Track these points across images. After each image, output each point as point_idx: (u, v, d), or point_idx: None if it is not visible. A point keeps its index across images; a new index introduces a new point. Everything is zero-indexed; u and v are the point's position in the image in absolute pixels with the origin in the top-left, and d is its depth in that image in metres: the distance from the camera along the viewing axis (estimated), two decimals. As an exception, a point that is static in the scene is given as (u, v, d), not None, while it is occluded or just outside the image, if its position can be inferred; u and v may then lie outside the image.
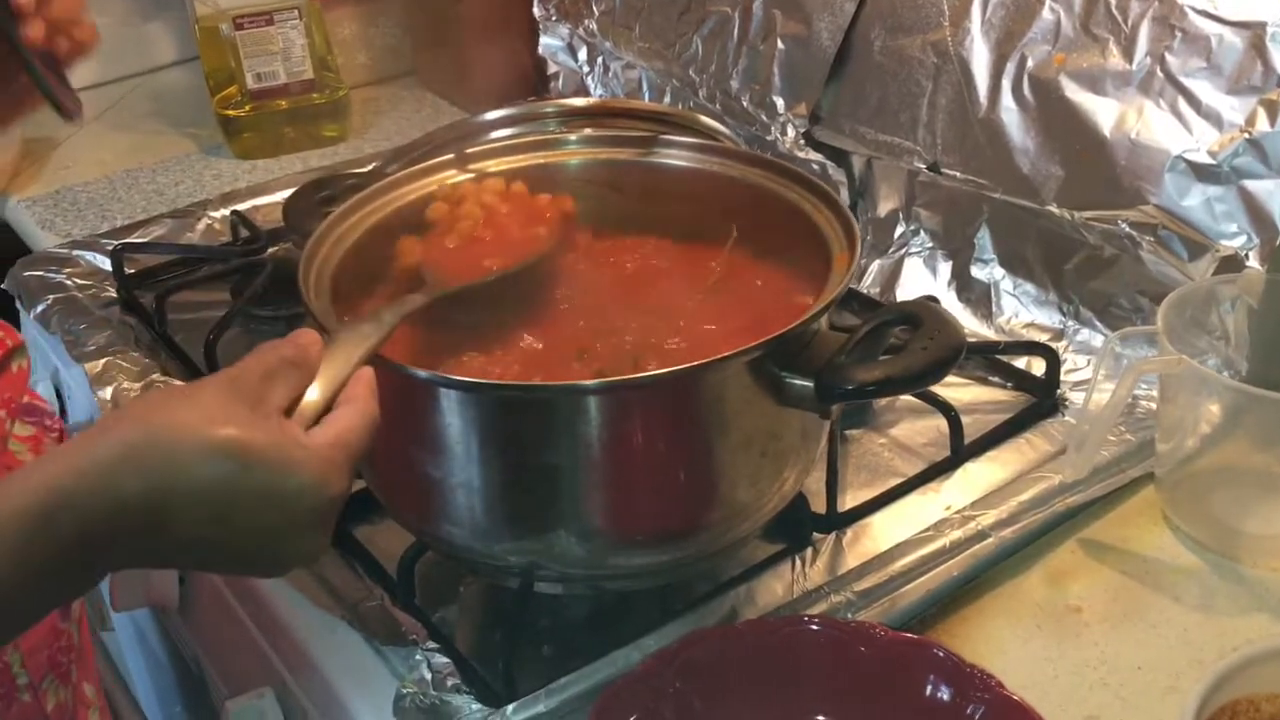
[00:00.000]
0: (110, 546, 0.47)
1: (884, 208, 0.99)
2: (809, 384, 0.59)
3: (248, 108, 1.29)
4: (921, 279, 0.95)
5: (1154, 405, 0.76)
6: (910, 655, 0.57)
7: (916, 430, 0.83)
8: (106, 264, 1.05)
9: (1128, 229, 0.79)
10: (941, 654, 0.57)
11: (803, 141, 1.00)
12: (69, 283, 1.03)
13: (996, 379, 0.87)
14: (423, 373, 0.59)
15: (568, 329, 0.67)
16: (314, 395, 0.52)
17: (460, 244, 0.70)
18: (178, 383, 0.89)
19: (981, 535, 0.70)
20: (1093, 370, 0.72)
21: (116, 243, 1.06)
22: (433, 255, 0.69)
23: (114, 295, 1.02)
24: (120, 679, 1.11)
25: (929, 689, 0.56)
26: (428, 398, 0.60)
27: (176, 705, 1.08)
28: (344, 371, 0.54)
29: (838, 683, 0.57)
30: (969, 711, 0.55)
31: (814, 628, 0.59)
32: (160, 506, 0.47)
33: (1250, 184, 0.73)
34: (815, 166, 1.02)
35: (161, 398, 0.55)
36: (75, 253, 1.07)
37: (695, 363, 0.57)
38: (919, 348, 0.58)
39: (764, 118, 1.02)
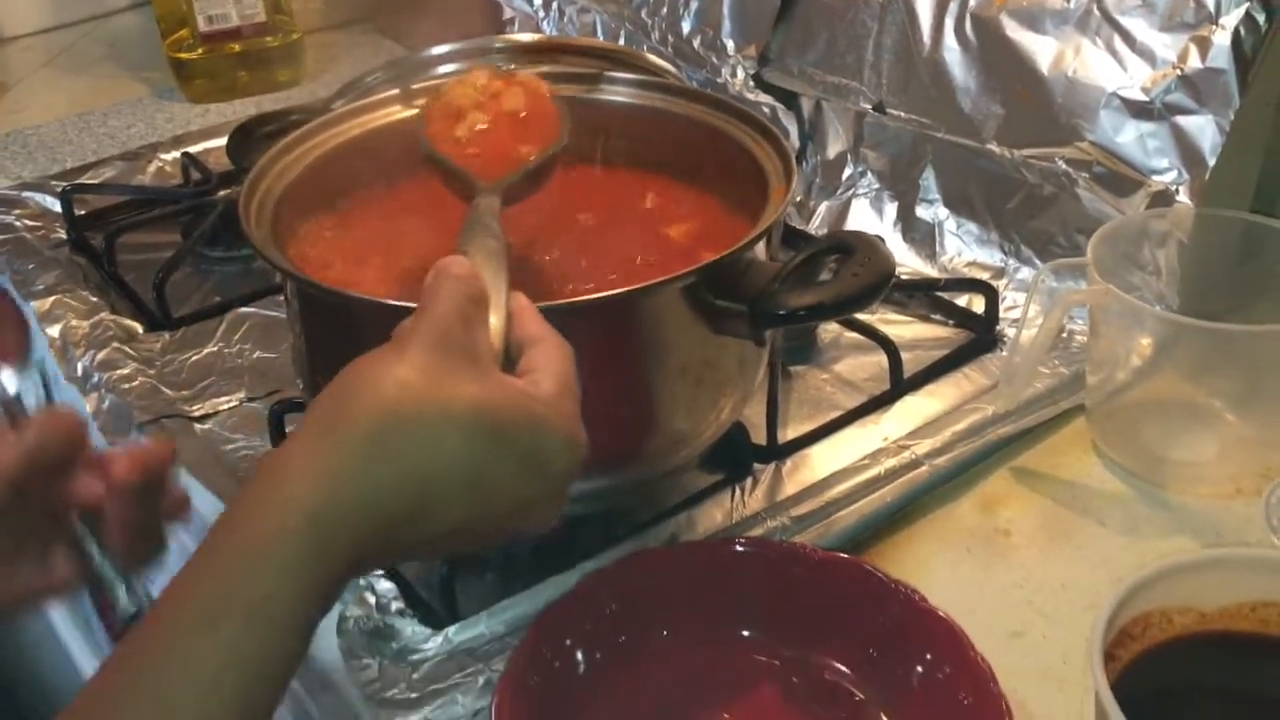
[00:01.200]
0: (379, 551, 0.43)
1: (833, 150, 1.00)
2: (742, 310, 0.60)
3: (200, 51, 1.28)
4: (869, 219, 0.97)
5: (1087, 339, 0.78)
6: (837, 572, 0.59)
7: (859, 366, 0.84)
8: (56, 205, 1.05)
9: (1064, 166, 0.80)
10: (868, 569, 0.58)
11: (752, 84, 1.01)
12: (18, 224, 1.03)
13: (938, 316, 0.88)
14: (364, 297, 0.60)
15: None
16: (496, 325, 0.48)
17: (476, 137, 0.66)
18: (128, 322, 0.89)
19: (916, 463, 0.72)
20: (1019, 299, 0.74)
21: (66, 184, 1.06)
22: (460, 155, 0.65)
23: (64, 236, 1.02)
24: (85, 629, 1.12)
25: (854, 604, 0.57)
26: (368, 321, 0.61)
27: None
28: (503, 295, 0.49)
29: (768, 601, 0.59)
30: (894, 625, 0.57)
31: (746, 549, 0.61)
32: (420, 495, 0.42)
33: (1182, 120, 0.75)
34: (765, 109, 1.02)
35: (375, 373, 0.44)
36: (25, 194, 1.07)
37: (631, 287, 0.58)
38: (850, 274, 0.59)
39: (714, 60, 1.03)
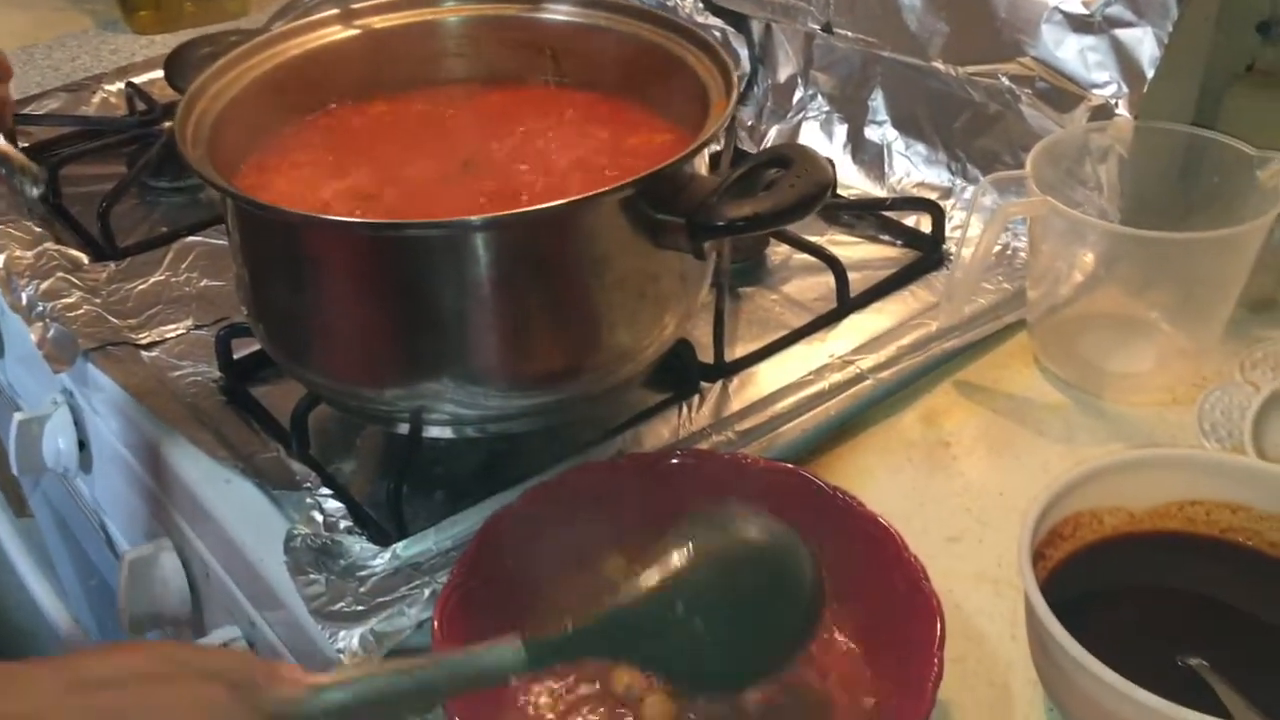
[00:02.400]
0: None
1: (783, 73, 1.00)
2: (681, 222, 0.60)
3: (145, -20, 1.26)
4: (819, 142, 0.97)
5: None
6: (775, 481, 0.60)
7: (807, 286, 0.85)
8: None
9: (1008, 83, 0.80)
10: (805, 476, 0.59)
11: (702, 6, 1.00)
12: (-41, 156, 1.01)
13: (886, 237, 0.89)
14: (302, 214, 0.60)
15: (445, 173, 0.68)
16: None
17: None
18: (73, 252, 0.88)
19: (860, 378, 0.73)
20: (961, 215, 0.74)
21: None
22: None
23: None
24: (44, 566, 1.12)
25: (792, 509, 0.58)
26: (308, 241, 0.61)
27: (94, 579, 1.10)
28: None
29: (706, 508, 0.59)
30: (830, 529, 0.58)
31: (686, 460, 0.61)
32: None
33: (1121, 33, 0.75)
34: (716, 33, 1.02)
35: None
36: (-35, 127, 1.05)
37: (570, 199, 0.58)
38: (787, 185, 0.59)
39: (664, -17, 1.02)
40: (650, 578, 0.48)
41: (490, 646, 0.47)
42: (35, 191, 0.74)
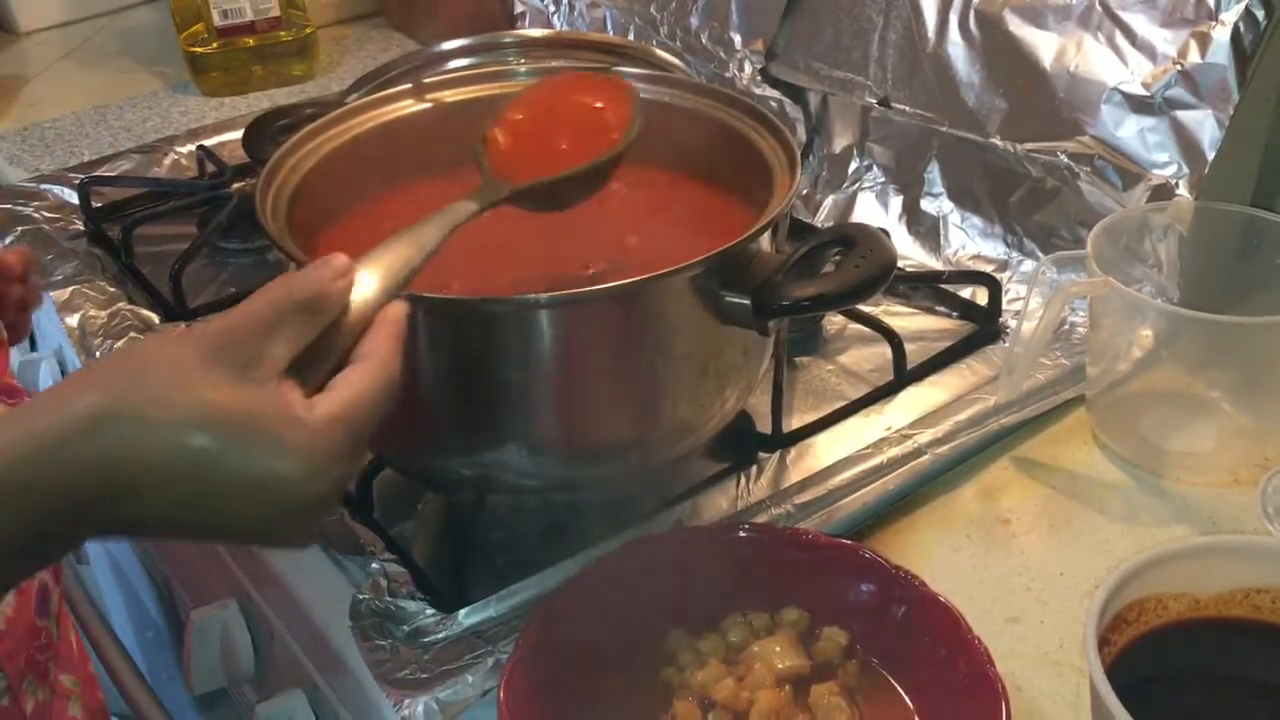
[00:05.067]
0: (77, 521, 0.42)
1: (839, 144, 1.01)
2: (746, 301, 0.61)
3: (214, 45, 1.30)
4: (874, 213, 0.98)
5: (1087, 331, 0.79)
6: (838, 557, 0.60)
7: (863, 357, 0.85)
8: (74, 198, 1.06)
9: (1066, 160, 0.81)
10: (868, 555, 0.60)
11: (759, 78, 1.02)
12: (36, 215, 1.05)
13: (942, 309, 0.89)
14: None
15: (516, 252, 0.69)
16: (349, 328, 0.46)
17: (522, 136, 0.64)
18: (145, 312, 0.91)
19: (918, 452, 0.73)
20: (1022, 291, 0.75)
21: (83, 176, 1.07)
22: (495, 148, 0.64)
23: (81, 228, 1.04)
24: (98, 612, 1.14)
25: (855, 588, 0.59)
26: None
27: (149, 630, 1.11)
28: (376, 301, 0.47)
29: (771, 585, 0.60)
30: (894, 609, 0.58)
31: (749, 534, 0.62)
32: (129, 484, 0.41)
33: (1181, 114, 0.76)
34: (773, 104, 1.04)
35: (138, 355, 0.44)
36: (43, 186, 1.08)
37: (639, 277, 0.59)
38: (852, 266, 0.61)
39: (722, 54, 1.04)
40: None
41: None
42: None
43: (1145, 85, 0.77)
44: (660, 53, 0.93)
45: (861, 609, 0.59)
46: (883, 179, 0.98)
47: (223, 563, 0.76)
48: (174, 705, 0.86)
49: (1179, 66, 0.75)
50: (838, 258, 0.63)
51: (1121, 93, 0.77)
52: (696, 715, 0.55)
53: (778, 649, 0.57)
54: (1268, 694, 0.57)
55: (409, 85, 0.78)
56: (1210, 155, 0.75)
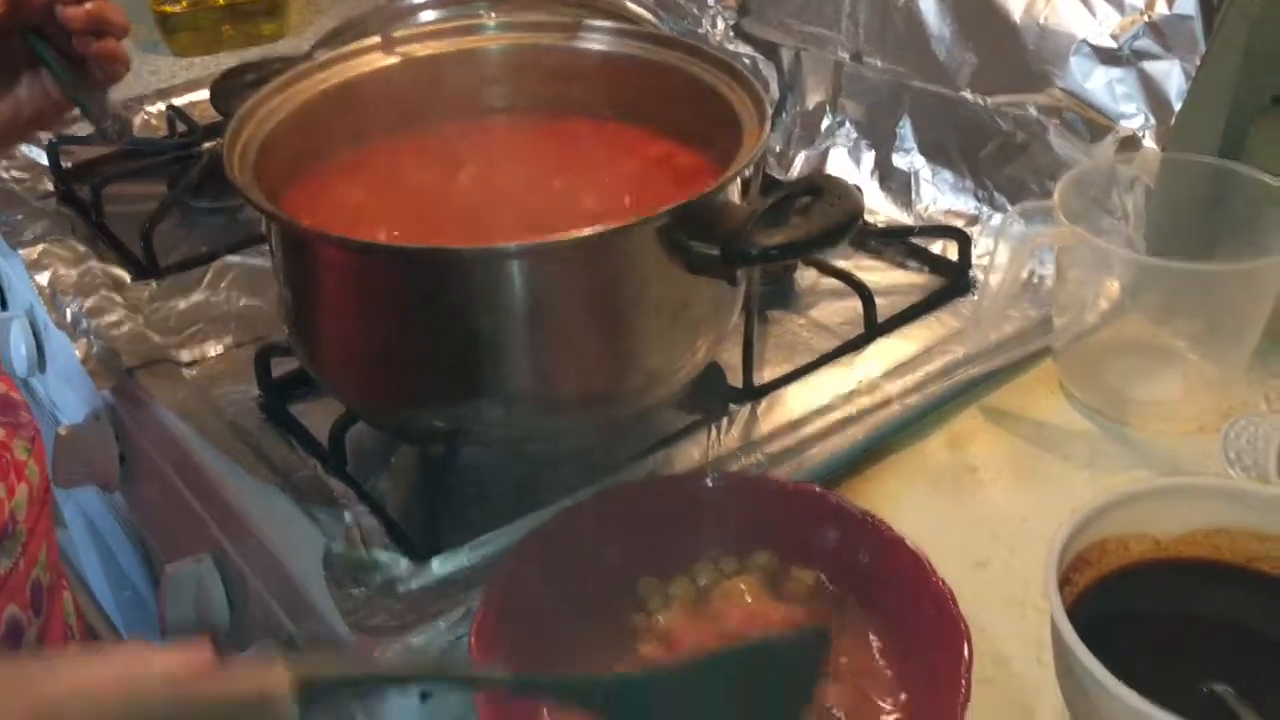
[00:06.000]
0: None
1: (811, 100, 1.02)
2: (715, 251, 0.61)
3: (185, 4, 1.28)
4: (846, 169, 0.98)
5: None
6: (806, 503, 0.61)
7: (835, 311, 0.86)
8: (43, 158, 1.05)
9: (1036, 113, 0.82)
10: (835, 501, 0.60)
11: (732, 34, 1.02)
12: (5, 175, 1.04)
13: (913, 263, 0.90)
14: (347, 238, 0.62)
15: (484, 200, 0.69)
16: None
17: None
18: (116, 270, 0.90)
19: (887, 403, 0.74)
20: (991, 245, 0.75)
21: (52, 136, 1.06)
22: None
23: (50, 188, 1.03)
24: (77, 575, 1.14)
25: (823, 533, 0.60)
26: (351, 264, 0.62)
27: (127, 590, 1.12)
28: None
29: (740, 530, 0.61)
30: (860, 553, 0.59)
31: (717, 482, 0.63)
32: None
33: (1149, 65, 0.76)
34: (746, 60, 1.04)
35: None
36: (11, 147, 1.07)
37: (606, 227, 0.60)
38: (819, 214, 0.61)
39: (695, 11, 1.04)
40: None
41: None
42: (108, 132, 0.76)
43: (1113, 37, 0.77)
44: (631, 5, 0.93)
45: (829, 553, 0.59)
46: (855, 135, 0.98)
47: (198, 517, 0.76)
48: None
49: (1147, 18, 0.76)
50: (807, 207, 0.64)
51: (1090, 45, 0.78)
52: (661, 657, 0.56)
53: (743, 587, 0.58)
54: (1227, 632, 0.58)
55: (378, 38, 0.77)
56: (1177, 106, 0.76)
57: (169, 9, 1.28)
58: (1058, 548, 0.55)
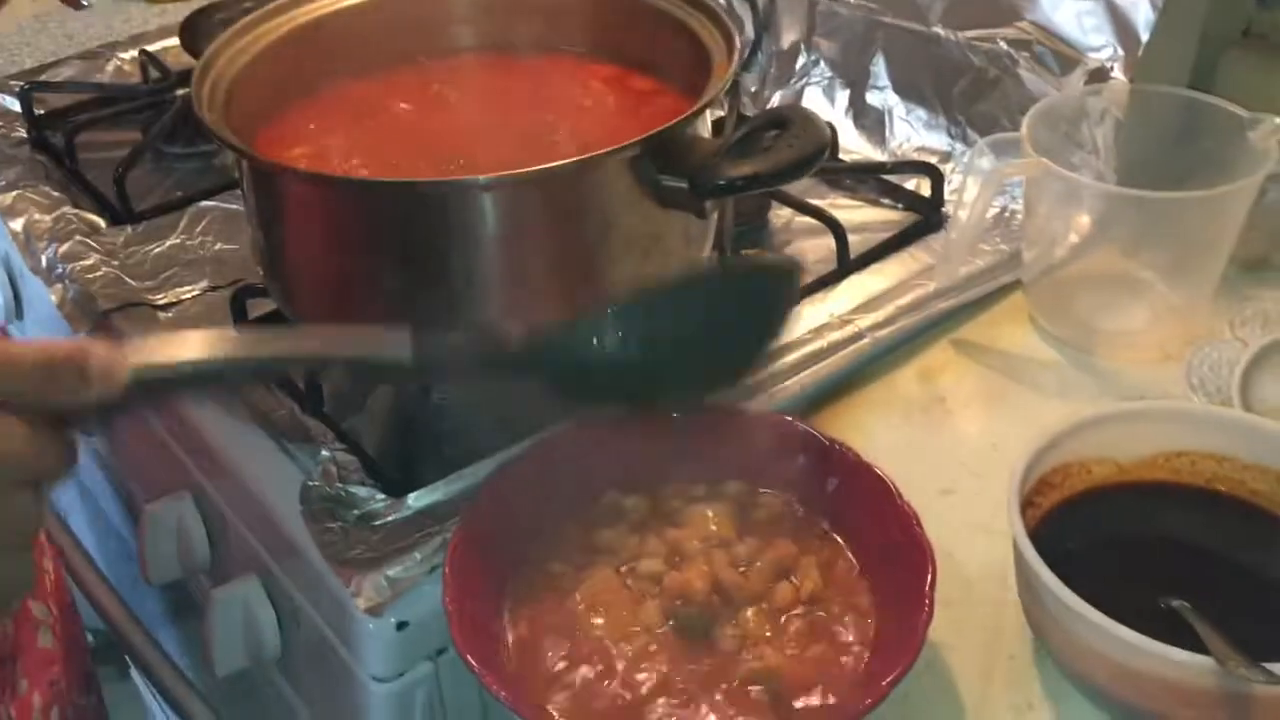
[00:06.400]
0: None
1: (786, 39, 1.01)
2: (684, 184, 0.62)
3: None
4: (821, 107, 0.98)
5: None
6: (774, 431, 0.62)
7: (809, 248, 0.86)
8: (16, 105, 1.05)
9: (1006, 47, 0.82)
10: (802, 428, 0.61)
11: (706, -27, 1.02)
12: (-23, 123, 1.03)
13: (886, 200, 0.90)
14: (318, 173, 0.62)
15: (455, 137, 0.69)
16: None
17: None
18: (90, 216, 0.90)
19: (858, 336, 0.74)
20: (960, 178, 0.76)
21: (25, 83, 1.06)
22: None
23: (24, 135, 1.02)
24: (66, 528, 1.15)
25: (791, 459, 0.60)
26: (322, 199, 0.63)
27: (112, 540, 1.12)
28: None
29: (710, 458, 0.61)
30: (829, 479, 0.60)
31: (685, 413, 0.63)
32: None
33: (1117, -3, 0.76)
34: (721, 1, 1.03)
35: None
36: (-16, 94, 1.07)
37: (574, 158, 0.60)
38: (785, 146, 0.61)
39: (669, -50, 1.03)
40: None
41: (382, 335, 0.46)
42: None
43: (1082, -32, 0.77)
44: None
45: (797, 479, 0.60)
46: (829, 74, 0.98)
47: (176, 458, 0.77)
48: (140, 611, 0.88)
49: (1115, -52, 0.76)
50: (774, 140, 0.64)
51: (1059, -24, 0.78)
52: (614, 581, 0.57)
53: (710, 514, 0.59)
54: (1184, 551, 0.59)
55: (347, -24, 0.77)
56: (1145, 38, 0.76)
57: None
58: (1020, 471, 0.56)
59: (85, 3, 0.77)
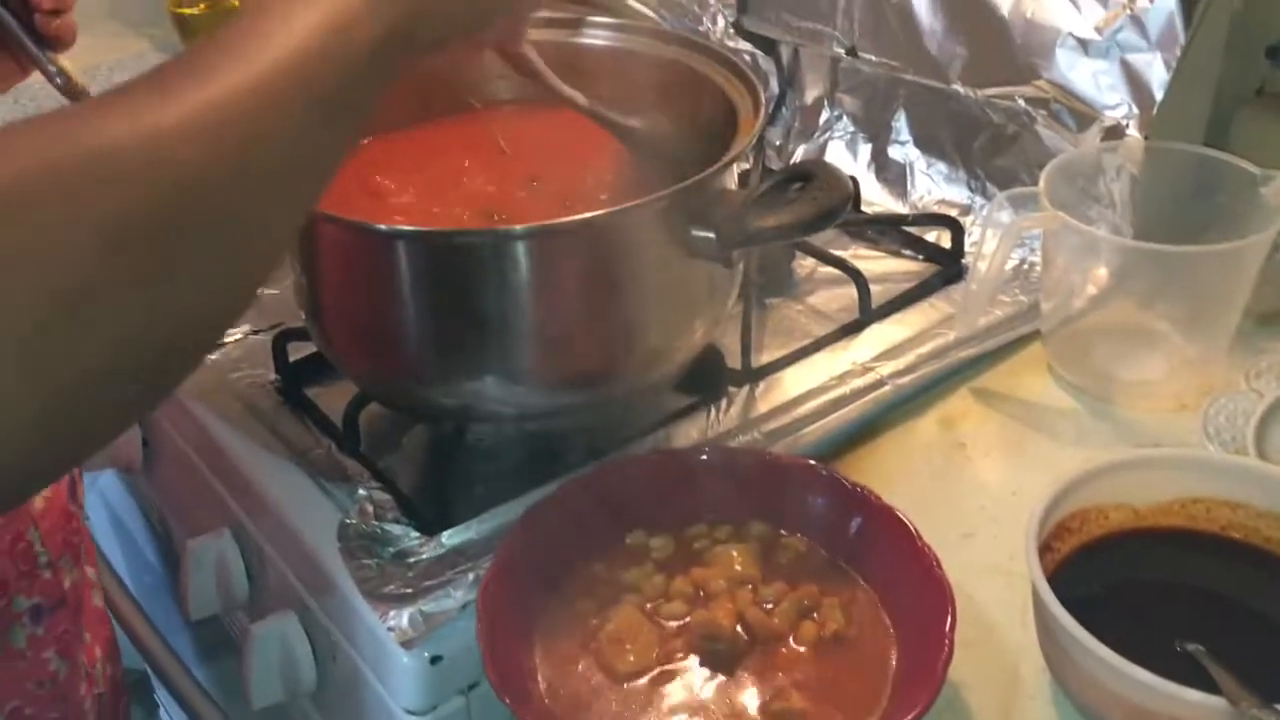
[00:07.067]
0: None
1: (810, 95, 1.04)
2: (711, 235, 0.64)
3: (203, 7, 1.31)
4: (844, 161, 1.01)
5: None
6: (797, 475, 0.63)
7: (831, 298, 0.88)
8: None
9: (1024, 104, 0.84)
10: (825, 472, 0.63)
11: (732, 31, 1.05)
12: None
13: (908, 251, 0.93)
14: (361, 223, 0.65)
15: (491, 189, 0.72)
16: None
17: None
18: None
19: (880, 383, 0.76)
20: (980, 231, 0.78)
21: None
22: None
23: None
24: (104, 558, 1.17)
25: (813, 502, 0.62)
26: (363, 248, 0.65)
27: (147, 575, 1.15)
28: None
29: (733, 501, 0.63)
30: (850, 521, 0.61)
31: (712, 456, 0.65)
32: None
33: (1131, 57, 0.79)
34: (746, 56, 1.06)
35: None
36: (34, 145, 1.10)
37: (607, 210, 0.62)
38: (809, 198, 0.64)
39: (696, 8, 1.07)
40: None
41: None
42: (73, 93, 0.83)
43: (1097, 29, 0.79)
44: (631, 2, 0.96)
45: (820, 522, 0.62)
46: (852, 128, 1.01)
47: (217, 495, 0.79)
48: (174, 644, 0.90)
49: (1129, 11, 0.78)
50: (799, 193, 0.66)
51: (1075, 37, 0.80)
52: (640, 619, 0.58)
53: (735, 554, 0.60)
54: (1200, 596, 0.60)
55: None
56: (1159, 96, 0.78)
57: (187, 11, 1.32)
58: (1038, 516, 0.58)
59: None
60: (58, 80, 0.82)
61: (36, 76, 0.81)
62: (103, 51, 1.34)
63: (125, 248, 0.36)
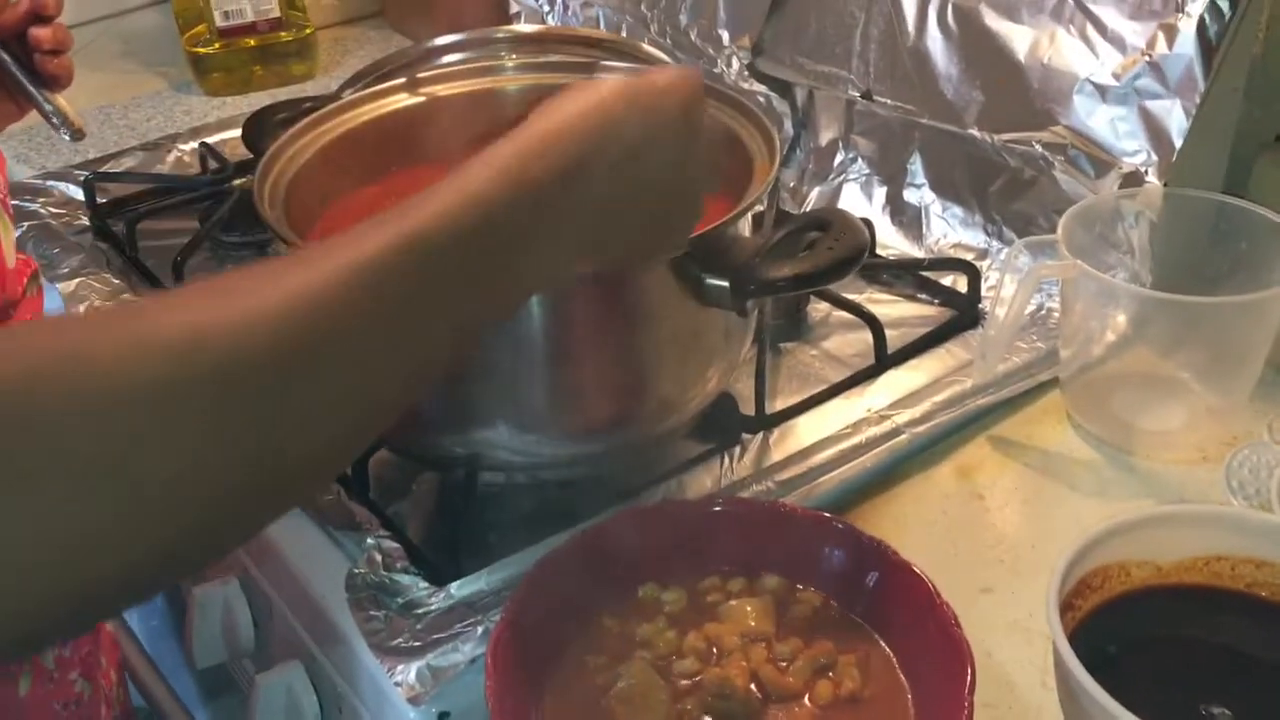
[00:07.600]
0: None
1: (824, 137, 1.04)
2: (725, 283, 0.63)
3: (216, 45, 1.32)
4: (859, 204, 1.00)
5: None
6: (812, 527, 0.62)
7: (846, 343, 0.88)
8: (79, 194, 1.09)
9: (1041, 150, 0.84)
10: (841, 526, 0.62)
11: (747, 73, 1.05)
12: (43, 211, 1.07)
13: (924, 296, 0.92)
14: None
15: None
16: None
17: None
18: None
19: (896, 432, 0.75)
20: (996, 275, 0.77)
21: (88, 173, 1.10)
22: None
23: (86, 223, 1.06)
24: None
25: (829, 556, 0.61)
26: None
27: (154, 619, 1.14)
28: None
29: (747, 552, 0.62)
30: (866, 576, 0.60)
31: (725, 507, 0.64)
32: (641, 146, 0.50)
33: (1150, 104, 0.78)
34: (761, 99, 1.06)
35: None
36: (49, 183, 1.11)
37: (619, 260, 0.62)
38: (825, 248, 0.63)
39: (710, 51, 1.07)
40: None
41: None
42: (68, 138, 0.87)
43: (1115, 76, 0.79)
44: (646, 47, 0.96)
45: (836, 576, 0.61)
46: (867, 171, 1.00)
47: (224, 542, 0.78)
48: (180, 689, 0.89)
49: (1147, 58, 0.78)
50: (814, 241, 0.66)
51: (1092, 83, 0.80)
52: (652, 675, 0.57)
53: (749, 609, 0.59)
54: (1224, 656, 0.59)
55: (403, 80, 0.80)
56: (1178, 143, 0.77)
57: (202, 50, 1.33)
58: (1060, 573, 0.56)
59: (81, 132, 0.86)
60: (54, 119, 0.84)
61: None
62: (119, 91, 1.36)
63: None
